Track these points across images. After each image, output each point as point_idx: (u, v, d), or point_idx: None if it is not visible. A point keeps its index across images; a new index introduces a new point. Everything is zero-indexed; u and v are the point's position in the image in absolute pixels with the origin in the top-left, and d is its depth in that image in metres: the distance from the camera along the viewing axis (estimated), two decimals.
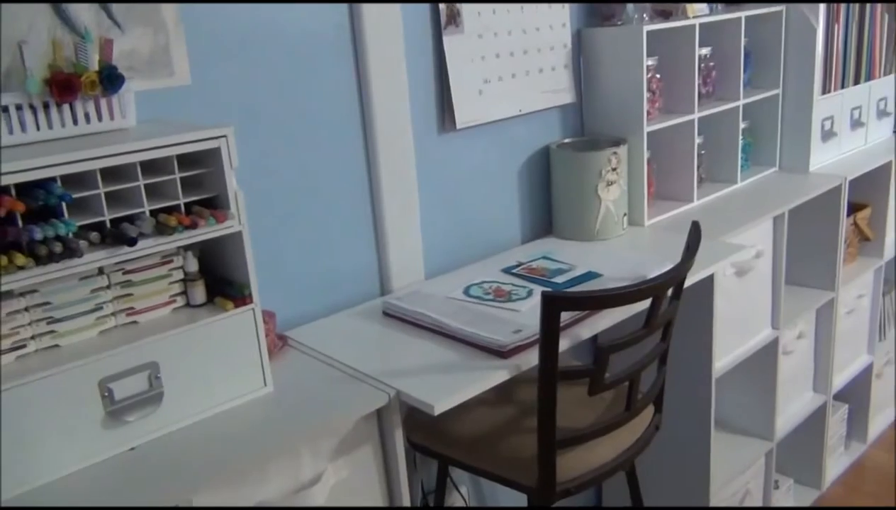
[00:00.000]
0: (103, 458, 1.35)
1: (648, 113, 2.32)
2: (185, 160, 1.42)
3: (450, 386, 1.53)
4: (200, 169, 1.45)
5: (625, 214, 2.32)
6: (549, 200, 2.39)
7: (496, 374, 1.57)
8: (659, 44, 2.39)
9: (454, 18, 2.06)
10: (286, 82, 1.79)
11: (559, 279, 1.93)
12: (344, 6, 1.85)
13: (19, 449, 1.27)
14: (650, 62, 2.34)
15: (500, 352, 1.61)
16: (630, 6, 2.31)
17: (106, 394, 1.34)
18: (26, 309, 1.32)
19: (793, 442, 2.84)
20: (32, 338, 1.34)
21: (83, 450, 1.33)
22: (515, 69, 2.23)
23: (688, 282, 1.88)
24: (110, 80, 1.41)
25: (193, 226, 1.40)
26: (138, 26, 1.56)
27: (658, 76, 2.41)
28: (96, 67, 1.41)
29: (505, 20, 2.18)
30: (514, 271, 2.03)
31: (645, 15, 2.35)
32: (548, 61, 2.30)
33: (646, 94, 2.27)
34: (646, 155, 2.33)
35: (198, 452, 1.37)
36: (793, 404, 2.78)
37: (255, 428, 1.44)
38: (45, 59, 1.39)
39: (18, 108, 1.35)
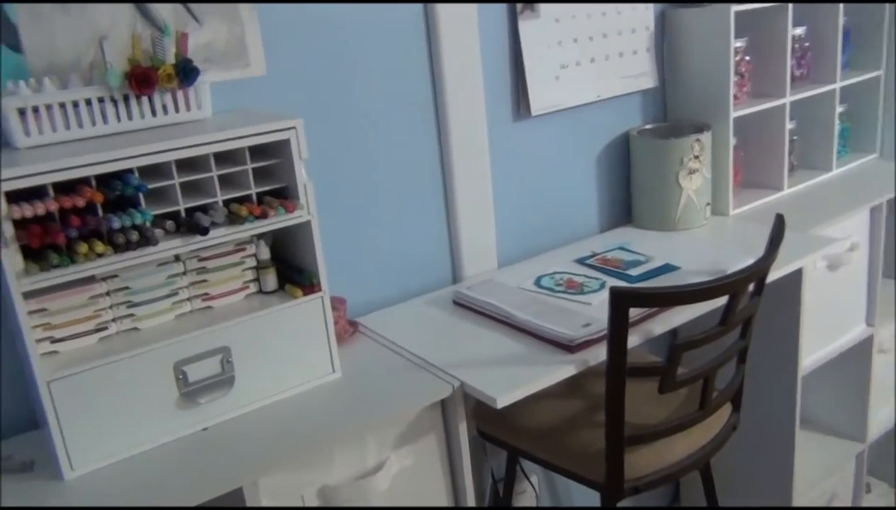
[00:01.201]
0: (177, 437, 1.41)
1: (736, 97, 2.23)
2: (257, 151, 1.45)
3: (515, 379, 1.52)
4: (272, 159, 1.47)
5: (708, 204, 2.24)
6: (629, 188, 2.33)
7: (563, 369, 1.55)
8: (749, 24, 2.28)
9: (530, 3, 2.02)
10: (359, 71, 1.80)
11: (633, 271, 1.88)
12: None
13: (98, 425, 1.34)
14: (738, 44, 2.23)
15: (568, 347, 1.59)
16: None
17: (180, 376, 1.40)
18: (107, 293, 1.38)
19: (888, 444, 2.70)
20: (114, 320, 1.40)
21: (158, 429, 1.39)
22: (594, 53, 2.17)
23: (773, 277, 1.80)
24: (186, 72, 1.45)
25: (263, 216, 1.43)
26: (215, 19, 1.59)
27: (747, 58, 2.30)
28: (173, 60, 1.45)
29: (584, 3, 2.12)
30: (587, 262, 1.99)
31: None
32: (629, 45, 2.23)
33: (733, 78, 2.17)
34: (732, 141, 2.23)
35: (266, 435, 1.41)
36: (888, 404, 2.63)
37: (322, 413, 1.47)
38: (124, 53, 1.44)
39: (100, 100, 1.40)
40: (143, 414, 1.37)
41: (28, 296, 1.26)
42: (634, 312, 1.57)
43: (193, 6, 1.56)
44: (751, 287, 1.62)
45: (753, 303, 1.64)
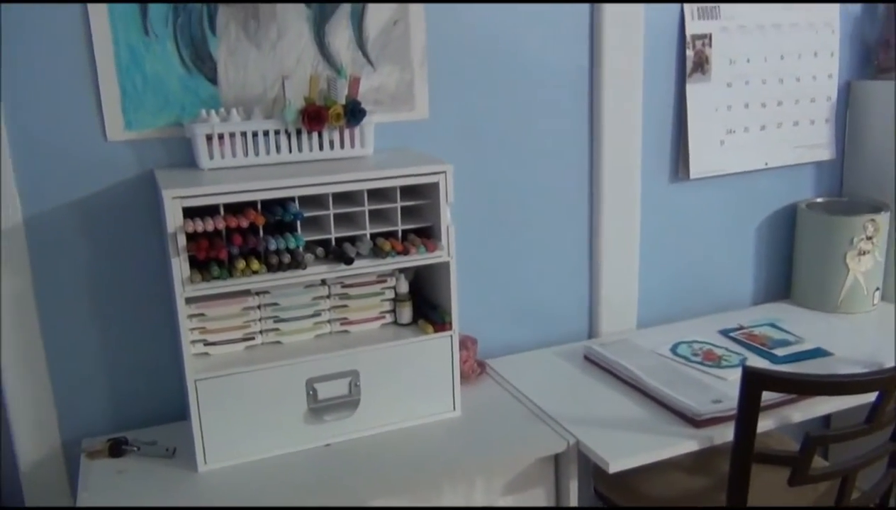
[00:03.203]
0: (301, 449, 1.51)
1: None
2: (408, 190, 1.54)
3: (633, 445, 1.50)
4: (420, 199, 1.56)
5: (877, 289, 2.08)
6: (789, 263, 2.21)
7: (684, 443, 1.50)
8: None
9: (701, 66, 1.99)
10: (519, 120, 1.86)
11: (780, 351, 1.79)
12: (586, 48, 1.87)
13: (234, 426, 1.46)
14: None
15: (694, 421, 1.54)
16: None
17: (311, 392, 1.50)
18: (258, 307, 1.52)
19: None
20: (260, 332, 1.53)
21: (285, 438, 1.50)
22: (766, 120, 2.09)
23: None
24: (354, 113, 1.57)
25: (405, 252, 1.51)
26: (388, 64, 1.71)
27: None
28: (343, 101, 1.58)
29: (761, 69, 2.06)
30: (731, 334, 1.91)
31: None
32: (806, 113, 2.14)
33: None
34: None
35: (382, 460, 1.48)
36: None
37: (437, 448, 1.52)
38: (302, 91, 1.58)
39: (276, 132, 1.55)
40: (274, 422, 1.49)
41: (190, 301, 1.41)
42: (771, 395, 1.50)
43: (370, 52, 1.68)
44: None
45: None
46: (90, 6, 1.47)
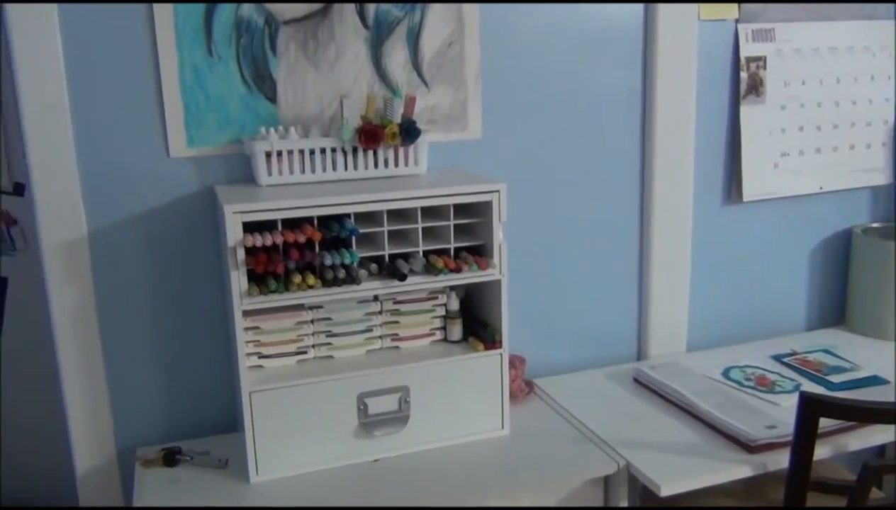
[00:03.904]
0: (350, 463, 1.52)
1: None
2: (461, 208, 1.55)
3: (685, 469, 1.48)
4: (473, 218, 1.57)
5: None
6: (844, 288, 2.17)
7: (737, 469, 1.48)
8: None
9: (755, 88, 1.98)
10: (570, 141, 1.86)
11: (835, 378, 1.75)
12: (639, 70, 1.88)
13: (286, 439, 1.48)
14: None
15: (748, 446, 1.52)
16: None
17: (361, 406, 1.52)
18: (312, 321, 1.54)
19: None
20: (313, 346, 1.56)
21: (335, 452, 1.52)
22: (821, 144, 2.07)
23: None
24: (409, 132, 1.60)
25: (457, 270, 1.52)
26: (442, 85, 1.74)
27: None
28: (399, 121, 1.60)
29: (816, 92, 2.04)
30: (784, 360, 1.88)
31: None
32: (862, 137, 2.11)
33: None
34: None
35: (430, 476, 1.48)
36: None
37: (485, 466, 1.52)
38: (359, 110, 1.61)
39: (333, 150, 1.58)
40: (325, 436, 1.50)
41: (246, 314, 1.44)
42: (828, 423, 1.47)
43: (426, 73, 1.71)
44: None
45: None
46: (158, 28, 1.52)
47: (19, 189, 1.79)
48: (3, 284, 1.86)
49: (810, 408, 1.36)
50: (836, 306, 2.20)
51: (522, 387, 1.78)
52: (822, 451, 1.50)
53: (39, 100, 1.49)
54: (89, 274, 1.58)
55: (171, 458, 1.55)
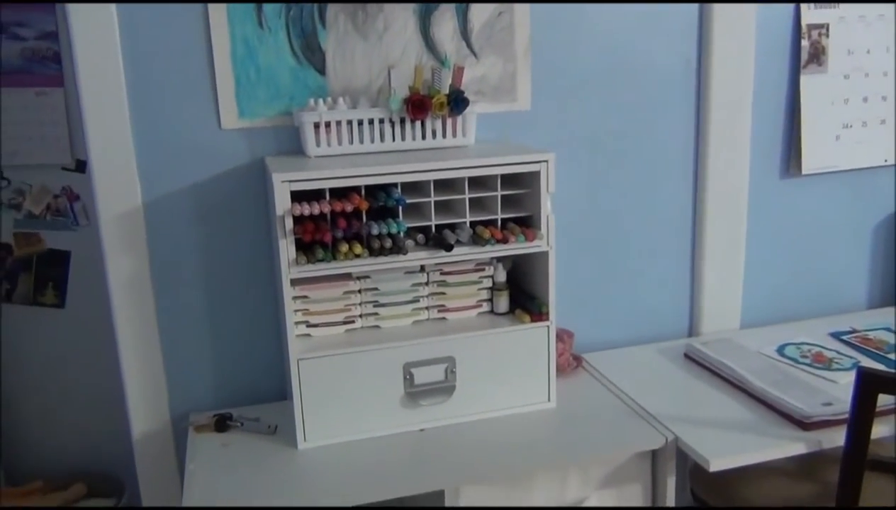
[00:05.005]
0: (396, 432, 1.53)
1: None
2: (508, 179, 1.54)
3: (735, 445, 1.45)
4: (520, 189, 1.55)
5: None
6: None
7: (791, 446, 1.44)
8: None
9: (817, 57, 1.91)
10: (622, 113, 1.83)
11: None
12: (695, 40, 1.83)
13: (333, 406, 1.50)
14: None
15: (802, 423, 1.48)
16: None
17: (408, 376, 1.52)
18: (359, 291, 1.55)
19: None
20: (361, 316, 1.57)
21: (382, 421, 1.53)
22: (886, 115, 1.99)
23: None
24: (457, 103, 1.59)
25: (504, 240, 1.51)
26: (491, 55, 1.72)
27: None
28: (447, 91, 1.60)
29: (882, 61, 1.96)
30: (843, 337, 1.82)
31: None
32: None
33: None
34: None
35: (476, 447, 1.48)
36: None
37: (531, 438, 1.51)
38: (407, 81, 1.61)
39: (381, 121, 1.59)
40: (372, 404, 1.52)
41: (294, 283, 1.46)
42: (886, 400, 1.42)
43: (474, 43, 1.70)
44: None
45: None
46: (210, 2, 1.54)
47: (81, 166, 1.85)
48: (67, 258, 1.92)
49: (868, 384, 1.31)
50: None
51: (570, 361, 1.76)
52: (881, 430, 1.45)
53: (97, 76, 1.52)
54: (144, 245, 1.62)
55: (222, 424, 1.59)
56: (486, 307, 1.62)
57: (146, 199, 1.61)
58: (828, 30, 1.90)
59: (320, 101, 1.58)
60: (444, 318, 1.60)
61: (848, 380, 1.60)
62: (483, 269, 1.61)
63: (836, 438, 1.42)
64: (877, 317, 1.98)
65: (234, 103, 1.61)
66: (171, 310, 1.66)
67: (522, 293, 1.64)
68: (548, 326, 1.57)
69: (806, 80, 1.91)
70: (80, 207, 1.90)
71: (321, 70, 1.64)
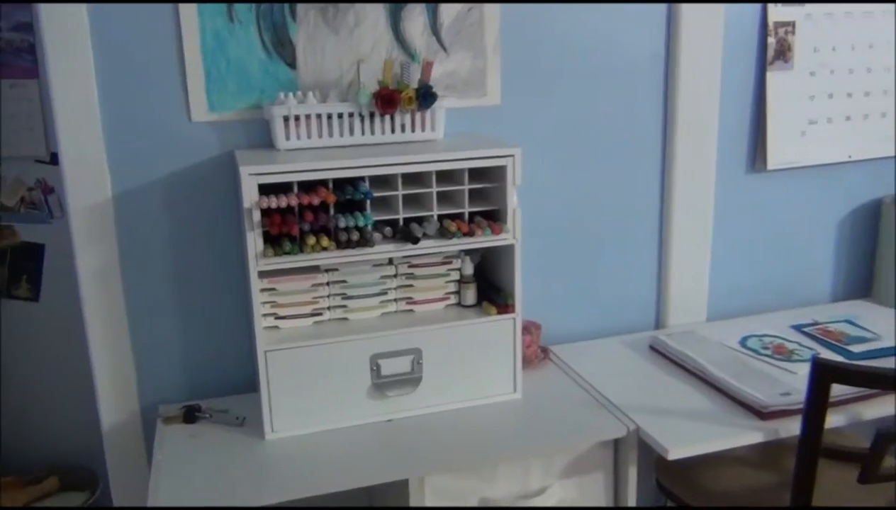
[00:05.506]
0: (363, 423, 1.55)
1: None
2: (476, 173, 1.56)
3: (694, 434, 1.48)
4: (488, 183, 1.57)
5: None
6: (872, 260, 2.13)
7: (748, 435, 1.48)
8: None
9: (784, 54, 1.94)
10: (591, 108, 1.85)
11: (855, 348, 1.73)
12: (663, 35, 1.85)
13: (300, 397, 1.52)
14: None
15: (760, 412, 1.51)
16: None
17: (374, 367, 1.54)
18: (327, 283, 1.57)
19: None
20: (328, 308, 1.58)
21: (349, 412, 1.55)
22: (851, 111, 2.02)
23: None
24: (425, 97, 1.60)
25: (471, 234, 1.53)
26: (461, 50, 1.73)
27: None
28: (416, 86, 1.61)
29: (847, 58, 1.99)
30: (805, 329, 1.86)
31: None
32: (894, 105, 2.05)
33: None
34: None
35: (441, 438, 1.51)
36: None
37: (496, 429, 1.53)
38: (376, 75, 1.62)
39: (350, 115, 1.60)
40: (339, 395, 1.53)
41: (262, 275, 1.47)
42: (842, 390, 1.46)
43: (445, 38, 1.71)
44: None
45: None
46: None
47: (56, 158, 1.85)
48: (41, 251, 1.92)
49: (822, 374, 1.35)
50: (864, 277, 2.16)
51: (537, 353, 1.79)
52: (836, 419, 1.49)
53: (67, 67, 1.52)
54: (114, 236, 1.63)
55: (191, 415, 1.60)
56: (453, 300, 1.64)
57: (116, 191, 1.61)
58: (794, 27, 1.93)
59: (290, 94, 1.59)
60: (411, 311, 1.62)
61: (807, 370, 1.64)
62: (451, 262, 1.63)
63: (794, 428, 1.46)
64: (839, 310, 2.02)
65: (204, 96, 1.61)
66: (140, 302, 1.67)
67: (490, 286, 1.66)
68: (513, 318, 1.60)
69: (772, 77, 1.94)
70: (54, 200, 1.90)
71: (291, 64, 1.65)
